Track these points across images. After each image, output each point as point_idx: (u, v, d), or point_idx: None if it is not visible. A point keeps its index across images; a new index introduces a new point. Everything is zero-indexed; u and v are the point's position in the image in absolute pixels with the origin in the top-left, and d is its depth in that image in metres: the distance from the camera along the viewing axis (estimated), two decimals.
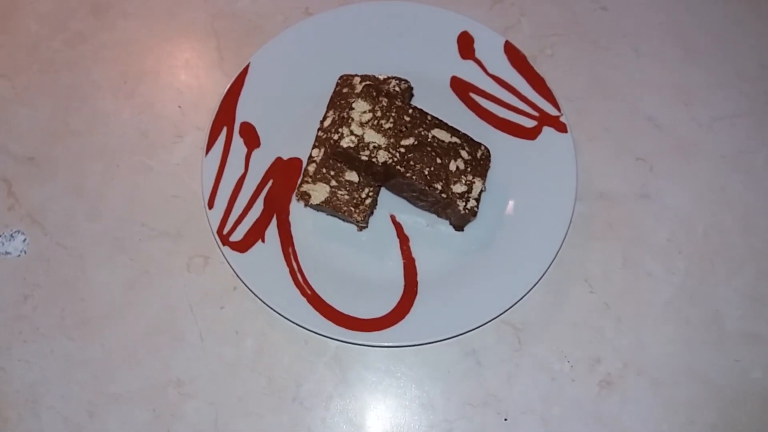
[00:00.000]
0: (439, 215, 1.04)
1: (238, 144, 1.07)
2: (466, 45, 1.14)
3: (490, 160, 1.03)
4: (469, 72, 1.13)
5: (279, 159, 1.08)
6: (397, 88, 1.06)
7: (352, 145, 0.96)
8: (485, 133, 1.09)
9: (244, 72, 1.11)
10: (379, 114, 0.98)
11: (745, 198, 1.10)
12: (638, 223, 1.09)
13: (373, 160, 0.96)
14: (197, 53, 1.19)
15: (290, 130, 1.09)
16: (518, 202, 1.05)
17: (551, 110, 1.10)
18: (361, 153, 0.96)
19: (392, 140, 0.97)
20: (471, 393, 0.99)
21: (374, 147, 0.97)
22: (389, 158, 0.96)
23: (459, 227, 1.05)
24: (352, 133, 0.96)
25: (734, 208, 1.09)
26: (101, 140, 1.12)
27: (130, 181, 1.10)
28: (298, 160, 1.08)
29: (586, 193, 1.09)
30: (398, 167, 0.97)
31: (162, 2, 1.22)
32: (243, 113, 1.09)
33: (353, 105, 0.97)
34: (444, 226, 1.05)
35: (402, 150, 0.97)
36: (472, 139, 1.02)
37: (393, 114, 0.99)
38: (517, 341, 1.02)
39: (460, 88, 1.13)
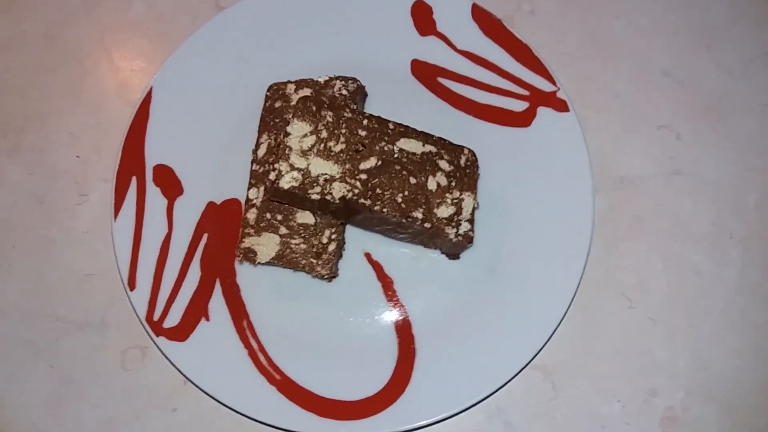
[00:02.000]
0: (426, 245, 0.81)
1: (155, 195, 0.83)
2: (423, 17, 0.90)
3: (478, 166, 0.79)
4: (432, 51, 0.89)
5: (211, 205, 0.84)
6: (343, 91, 0.82)
7: (295, 184, 0.72)
8: (466, 128, 0.85)
9: (147, 99, 0.86)
10: (324, 134, 0.74)
11: None
12: (673, 209, 0.86)
13: (327, 197, 0.73)
14: (89, 81, 0.93)
15: (218, 166, 0.85)
16: (523, 211, 0.83)
17: (544, 85, 0.86)
18: (310, 192, 0.73)
19: (348, 166, 0.74)
20: None
21: (326, 180, 0.73)
22: (348, 191, 0.73)
23: (453, 255, 0.82)
24: (292, 167, 0.73)
25: None
26: None
27: (30, 264, 0.86)
28: (236, 202, 0.85)
29: (603, 182, 0.87)
30: (361, 201, 0.73)
31: (36, 24, 0.96)
32: (154, 153, 0.85)
33: (288, 129, 0.73)
34: (435, 255, 0.83)
35: (363, 177, 0.74)
36: (450, 144, 0.79)
37: (343, 131, 0.75)
38: (551, 387, 0.81)
39: (425, 73, 0.89)
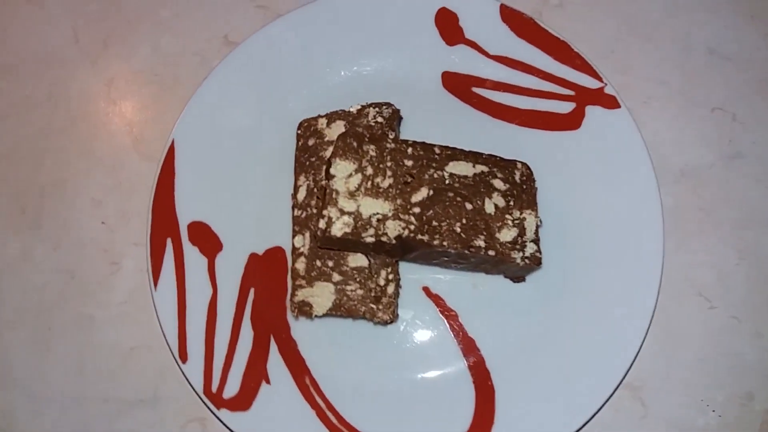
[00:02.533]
0: (488, 272, 0.76)
1: (193, 255, 0.78)
2: (448, 25, 0.84)
3: (534, 180, 0.74)
4: (463, 61, 0.83)
5: (253, 257, 0.79)
6: (379, 119, 0.77)
7: (348, 230, 0.67)
8: (511, 139, 0.80)
9: (170, 153, 0.80)
10: (369, 171, 0.69)
11: None
12: (739, 197, 0.81)
13: (383, 238, 0.67)
14: (102, 139, 0.88)
15: (255, 215, 0.80)
16: (586, 220, 0.77)
17: (589, 82, 0.80)
18: (364, 235, 0.67)
19: (399, 201, 0.68)
20: None
21: (378, 221, 0.68)
22: (403, 229, 0.68)
23: (518, 278, 0.77)
24: (342, 212, 0.67)
25: None
26: (16, 299, 0.82)
27: (70, 344, 0.81)
28: (279, 250, 0.79)
29: (662, 177, 0.81)
30: (419, 237, 0.68)
31: (38, 85, 0.90)
32: (186, 211, 0.79)
33: (332, 170, 0.68)
34: (498, 281, 0.77)
35: (416, 210, 0.68)
36: (501, 159, 0.73)
37: (389, 163, 0.69)
38: (641, 405, 0.75)
39: (458, 85, 0.83)
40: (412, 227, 0.68)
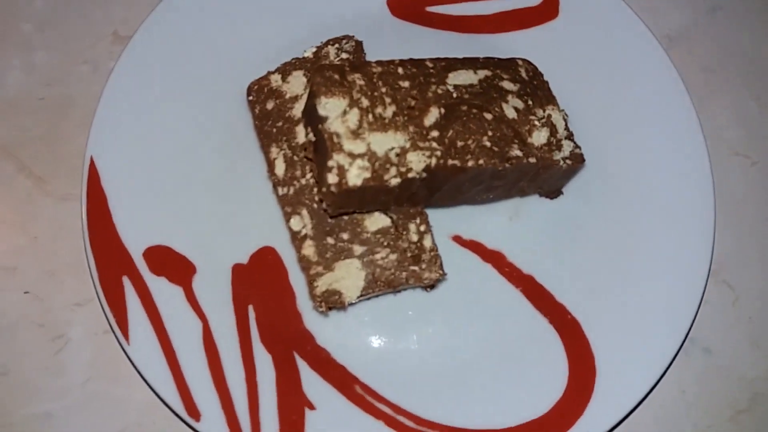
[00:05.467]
0: (524, 193, 0.64)
1: (163, 288, 0.60)
2: None
3: (542, 73, 0.63)
4: None
5: (238, 268, 0.62)
6: (343, 55, 0.63)
7: (368, 175, 0.52)
8: (490, 50, 0.67)
9: (93, 174, 0.62)
10: (365, 103, 0.54)
11: None
12: (732, 46, 0.75)
13: (410, 174, 0.53)
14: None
15: (225, 216, 0.63)
16: (605, 112, 0.68)
17: None
18: (387, 177, 0.53)
19: (412, 129, 0.55)
20: (726, 398, 0.63)
21: (397, 155, 0.53)
22: (429, 158, 0.54)
23: (556, 191, 0.65)
24: (352, 156, 0.52)
25: None
26: None
27: None
28: (268, 250, 0.63)
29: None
30: (450, 162, 0.54)
31: None
32: (135, 237, 0.61)
33: (320, 111, 0.53)
34: (534, 206, 0.65)
35: (435, 134, 0.55)
36: (500, 60, 0.63)
37: (383, 90, 0.56)
38: (729, 289, 0.66)
39: (408, 8, 0.72)
40: (438, 153, 0.54)
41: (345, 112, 0.54)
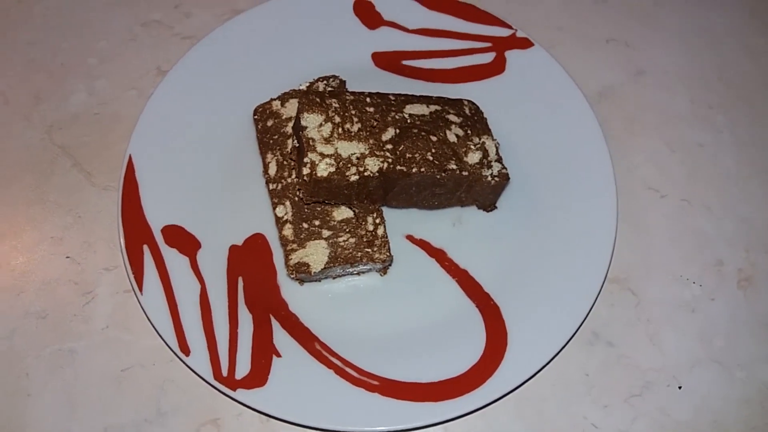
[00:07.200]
0: (463, 203, 0.80)
1: (174, 256, 0.77)
2: (367, 13, 0.92)
3: (482, 112, 0.81)
4: (387, 40, 0.91)
5: (234, 248, 0.79)
6: (329, 88, 0.81)
7: (333, 169, 0.69)
8: (449, 96, 0.86)
9: (130, 167, 0.80)
10: (337, 119, 0.72)
11: None
12: (652, 103, 0.91)
13: (366, 173, 0.70)
14: (53, 183, 0.86)
15: (227, 207, 0.80)
16: (536, 147, 0.84)
17: (501, 31, 0.90)
18: (348, 173, 0.70)
19: (372, 141, 0.72)
20: (623, 383, 0.75)
21: (357, 158, 0.71)
22: (382, 162, 0.71)
23: (490, 205, 0.81)
24: (323, 155, 0.70)
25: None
26: None
27: (55, 384, 0.75)
28: (259, 237, 0.80)
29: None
30: (398, 167, 0.71)
31: None
32: (157, 216, 0.79)
33: (302, 123, 0.71)
34: (474, 215, 0.81)
35: (389, 146, 0.73)
36: (449, 99, 0.80)
37: (353, 111, 0.74)
38: (631, 294, 0.80)
39: (389, 61, 0.90)
40: (390, 160, 0.71)
41: (321, 125, 0.72)
